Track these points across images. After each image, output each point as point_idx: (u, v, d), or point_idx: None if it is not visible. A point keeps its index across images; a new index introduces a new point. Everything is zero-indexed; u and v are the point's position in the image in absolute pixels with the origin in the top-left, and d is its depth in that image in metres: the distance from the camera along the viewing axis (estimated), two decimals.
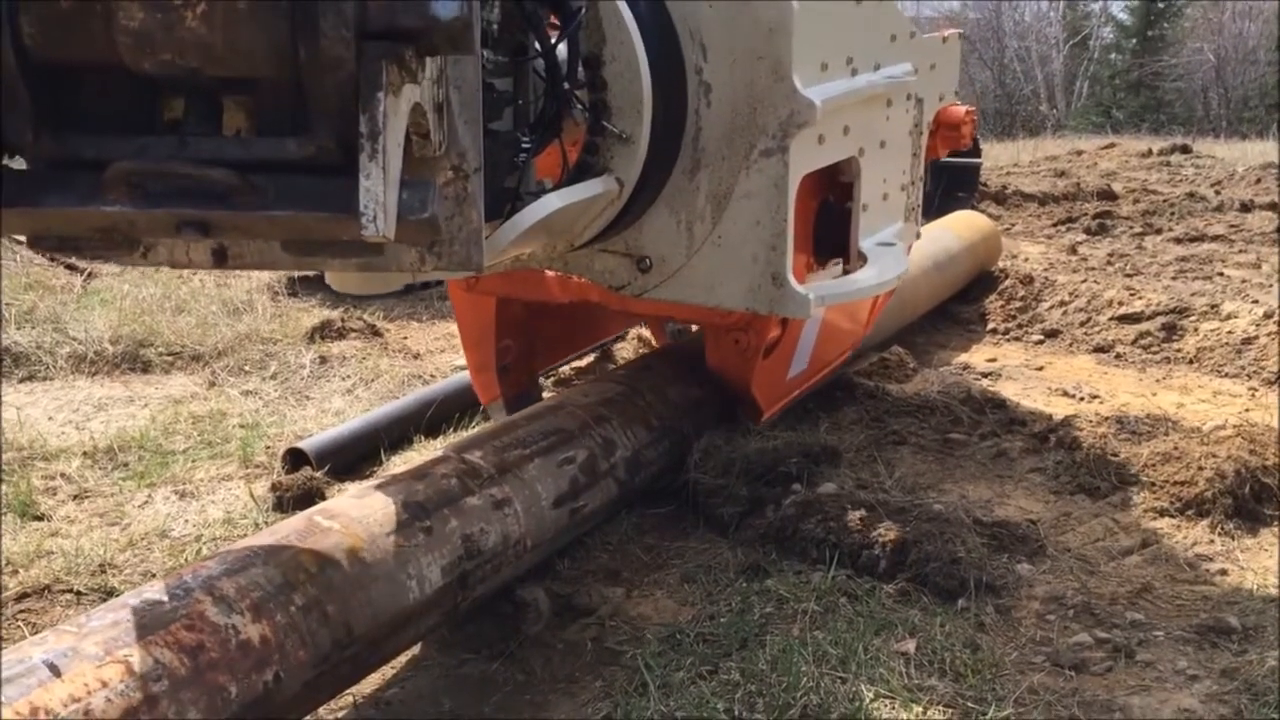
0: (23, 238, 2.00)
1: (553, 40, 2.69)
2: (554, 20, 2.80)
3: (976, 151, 4.45)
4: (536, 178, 2.84)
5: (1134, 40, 46.60)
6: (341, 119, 1.64)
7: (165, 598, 2.32)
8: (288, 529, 2.69)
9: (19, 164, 1.76)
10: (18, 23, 1.57)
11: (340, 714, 2.82)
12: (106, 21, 1.57)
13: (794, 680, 2.70)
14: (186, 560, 3.46)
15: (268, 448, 4.39)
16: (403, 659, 3.04)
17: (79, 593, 3.29)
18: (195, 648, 2.24)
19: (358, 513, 2.78)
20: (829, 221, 3.56)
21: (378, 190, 1.64)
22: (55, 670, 2.07)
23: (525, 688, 2.93)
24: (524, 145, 2.67)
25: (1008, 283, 6.79)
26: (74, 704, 2.02)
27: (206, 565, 2.48)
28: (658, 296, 3.33)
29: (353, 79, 1.58)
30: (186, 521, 3.80)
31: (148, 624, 2.24)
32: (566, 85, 2.78)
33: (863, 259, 3.53)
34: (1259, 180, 14.30)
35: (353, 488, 3.46)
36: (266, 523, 3.70)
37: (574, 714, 2.78)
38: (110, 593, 3.28)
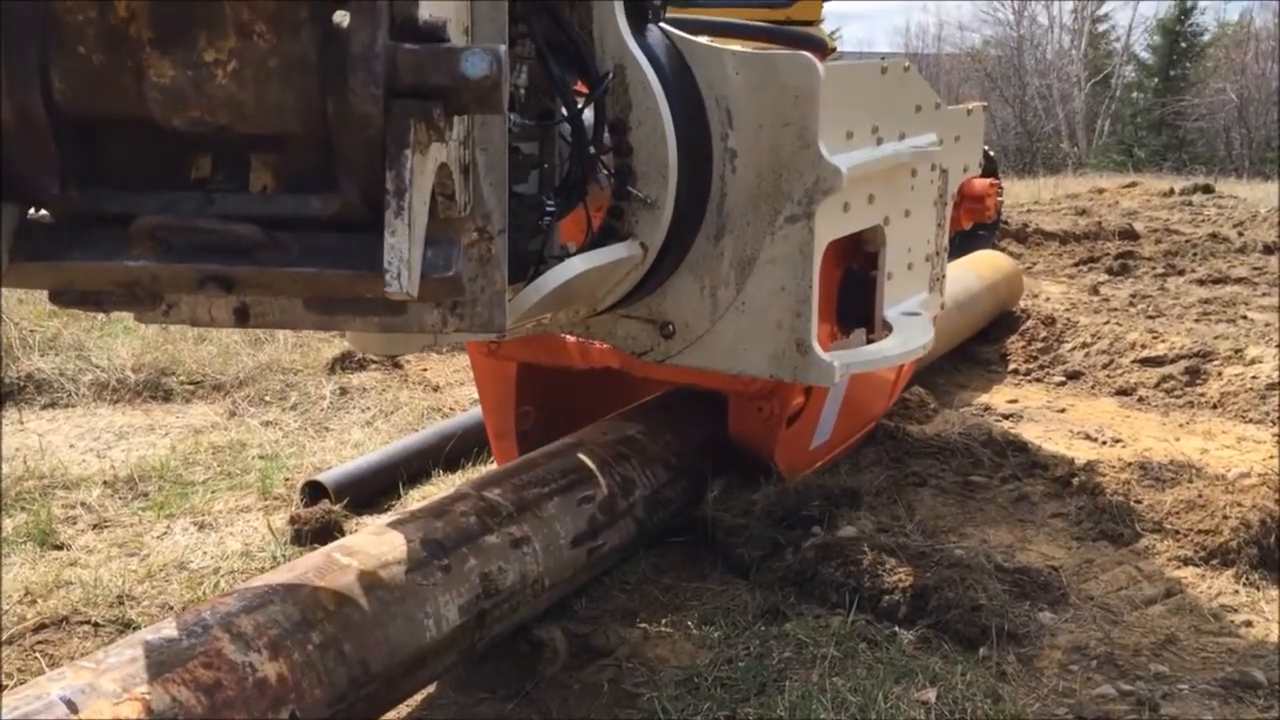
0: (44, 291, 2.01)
1: (579, 105, 2.71)
2: (580, 86, 2.81)
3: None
4: (560, 242, 2.84)
5: (1156, 79, 46.75)
6: (368, 176, 1.63)
7: (183, 634, 2.32)
8: (306, 565, 2.68)
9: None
10: (49, 77, 1.58)
11: None
12: (137, 78, 1.58)
13: None
14: (205, 593, 3.46)
15: (286, 479, 4.40)
16: (417, 698, 3.03)
17: (96, 624, 3.29)
18: (212, 685, 2.23)
19: (376, 550, 2.77)
20: (854, 290, 3.55)
21: (403, 247, 1.64)
22: (73, 707, 2.06)
23: None
24: (549, 209, 2.67)
25: (1029, 323, 6.76)
26: None
27: (225, 601, 2.48)
28: (681, 363, 3.30)
29: (381, 136, 1.58)
30: (205, 553, 3.80)
31: (166, 661, 2.23)
32: (592, 150, 2.78)
33: (888, 328, 3.51)
34: None
35: (371, 524, 3.45)
36: (285, 556, 3.69)
37: None
38: (128, 625, 3.28)
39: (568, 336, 3.76)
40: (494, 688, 3.07)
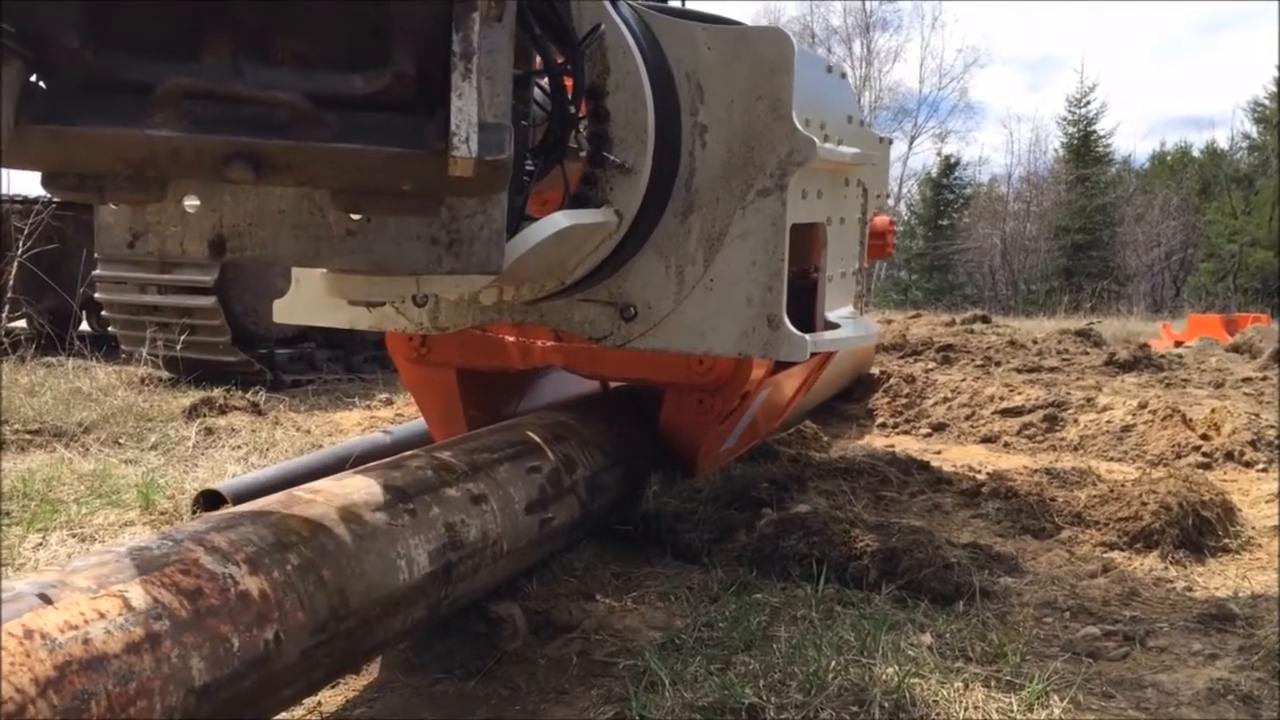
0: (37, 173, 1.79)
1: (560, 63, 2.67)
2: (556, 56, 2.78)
3: None
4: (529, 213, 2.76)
5: (926, 228, 50.04)
6: (426, 47, 1.59)
7: (153, 545, 2.03)
8: (268, 500, 2.43)
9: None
10: None
11: None
12: None
13: (822, 665, 2.52)
14: None
15: (170, 497, 3.98)
16: (362, 681, 2.74)
17: None
18: (194, 592, 1.95)
19: (340, 490, 2.54)
20: (793, 294, 3.55)
21: (470, 110, 1.58)
22: (46, 599, 1.76)
23: (512, 700, 2.65)
24: (528, 168, 2.59)
25: (892, 381, 6.93)
26: (71, 631, 1.71)
27: (188, 524, 2.20)
28: (642, 346, 3.18)
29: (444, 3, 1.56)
30: None
31: (140, 565, 1.95)
32: (572, 109, 2.73)
33: (829, 327, 3.50)
34: (1060, 342, 15.27)
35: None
36: None
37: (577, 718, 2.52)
38: None
39: (507, 336, 3.61)
40: (450, 668, 2.80)
